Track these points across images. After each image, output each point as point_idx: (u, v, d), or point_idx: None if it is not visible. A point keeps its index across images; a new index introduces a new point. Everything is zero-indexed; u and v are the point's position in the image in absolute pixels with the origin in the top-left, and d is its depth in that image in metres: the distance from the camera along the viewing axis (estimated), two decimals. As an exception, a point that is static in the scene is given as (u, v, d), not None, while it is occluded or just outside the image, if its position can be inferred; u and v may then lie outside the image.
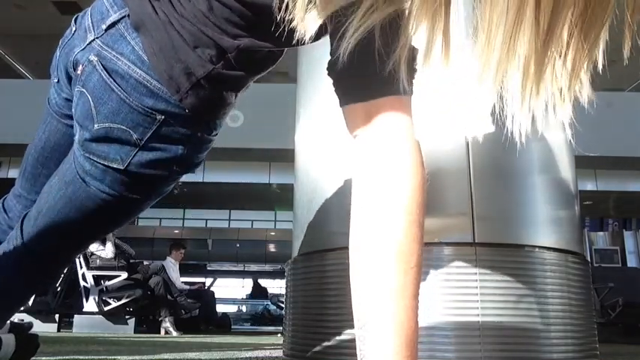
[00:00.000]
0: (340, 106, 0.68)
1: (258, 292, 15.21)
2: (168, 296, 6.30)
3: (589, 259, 2.44)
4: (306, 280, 1.66)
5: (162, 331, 5.97)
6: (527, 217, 1.53)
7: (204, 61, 0.80)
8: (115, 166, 0.84)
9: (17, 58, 12.17)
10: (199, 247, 13.02)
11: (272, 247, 13.29)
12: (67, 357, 2.05)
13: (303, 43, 0.68)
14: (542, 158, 1.57)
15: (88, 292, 5.77)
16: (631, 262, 11.34)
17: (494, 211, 1.51)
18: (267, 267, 15.18)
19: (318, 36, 0.67)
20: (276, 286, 17.55)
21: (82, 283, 5.80)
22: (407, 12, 0.60)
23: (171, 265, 6.89)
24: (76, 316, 5.86)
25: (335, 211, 1.57)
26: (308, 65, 1.86)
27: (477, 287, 1.38)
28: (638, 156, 8.84)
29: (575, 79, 0.62)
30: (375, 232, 0.61)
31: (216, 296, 8.62)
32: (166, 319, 6.00)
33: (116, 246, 5.97)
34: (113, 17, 0.83)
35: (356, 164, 0.65)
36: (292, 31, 0.64)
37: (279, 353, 2.52)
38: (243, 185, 11.12)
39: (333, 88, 0.68)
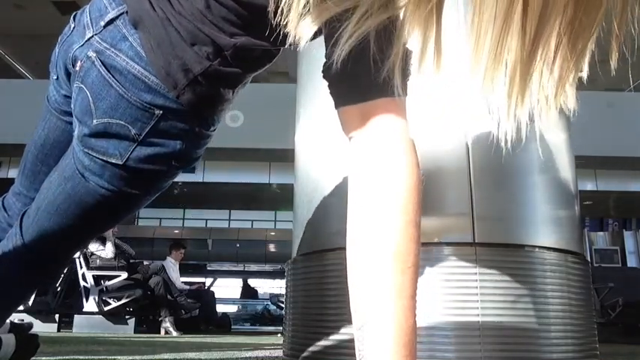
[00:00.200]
0: (335, 108, 0.68)
1: (248, 292, 15.22)
2: (168, 296, 6.30)
3: (589, 259, 2.44)
4: (306, 280, 1.66)
5: (162, 331, 5.97)
6: (527, 217, 1.53)
7: (201, 57, 0.81)
8: (113, 161, 0.84)
9: (17, 58, 12.17)
10: (199, 247, 13.02)
11: (272, 247, 13.29)
12: (67, 357, 2.05)
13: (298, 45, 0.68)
14: (542, 158, 1.57)
15: (88, 292, 5.77)
16: (631, 262, 11.34)
17: (494, 211, 1.51)
18: (267, 267, 15.19)
19: (314, 36, 0.67)
20: (276, 286, 17.56)
21: (82, 283, 5.80)
22: (400, 19, 0.60)
23: (171, 265, 6.89)
24: (76, 316, 5.86)
25: (335, 211, 1.57)
26: (308, 65, 1.86)
27: (476, 287, 1.38)
28: (638, 156, 8.85)
29: (561, 88, 0.63)
30: (371, 233, 0.61)
31: (216, 296, 8.62)
32: (166, 319, 6.00)
33: (116, 246, 5.97)
34: (111, 14, 0.83)
35: (351, 166, 0.66)
36: (287, 33, 0.64)
37: (279, 353, 2.52)
38: (243, 185, 11.12)
39: (329, 91, 0.69)
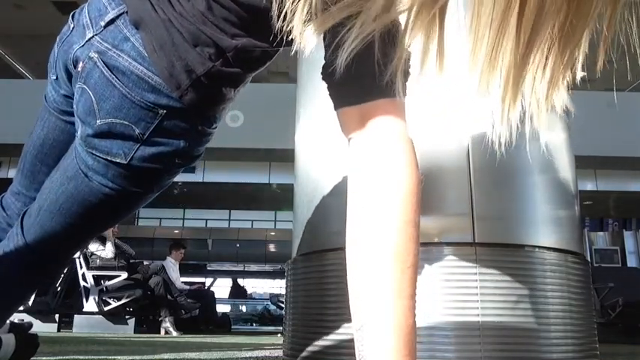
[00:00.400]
0: (335, 109, 0.69)
1: (237, 292, 15.22)
2: (168, 296, 6.30)
3: (589, 259, 2.44)
4: (306, 280, 1.66)
5: (162, 331, 5.97)
6: (527, 217, 1.53)
7: (204, 58, 0.81)
8: (117, 160, 0.85)
9: (17, 58, 12.17)
10: (199, 247, 13.03)
11: (272, 247, 13.29)
12: (67, 357, 2.05)
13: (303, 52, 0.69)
14: (542, 158, 1.57)
15: (88, 292, 5.77)
16: (631, 262, 11.34)
17: (494, 211, 1.51)
18: (267, 267, 15.19)
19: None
20: (276, 286, 17.57)
21: (82, 283, 5.80)
22: (403, 22, 0.60)
23: (172, 265, 6.89)
24: (76, 316, 5.86)
25: (335, 211, 1.57)
26: (308, 65, 1.86)
27: (477, 287, 1.38)
28: (638, 156, 8.85)
29: (552, 91, 0.64)
30: (371, 233, 0.61)
31: (216, 296, 8.62)
32: (166, 319, 6.01)
33: (116, 246, 5.97)
34: (111, 14, 0.83)
35: (351, 166, 0.66)
36: (289, 35, 0.64)
37: (279, 353, 2.52)
38: (243, 185, 11.12)
39: (328, 92, 0.69)
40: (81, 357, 2.07)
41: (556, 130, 1.66)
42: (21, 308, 5.30)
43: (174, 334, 5.88)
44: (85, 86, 0.84)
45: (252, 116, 8.69)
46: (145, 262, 7.00)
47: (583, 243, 1.74)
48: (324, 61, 0.68)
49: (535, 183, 1.57)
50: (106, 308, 5.77)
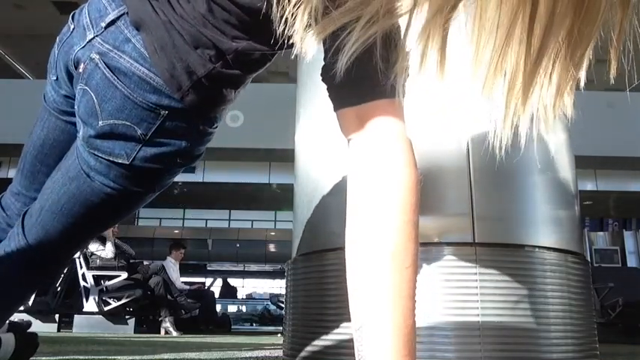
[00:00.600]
0: (334, 110, 0.69)
1: (227, 291, 15.22)
2: (168, 296, 6.30)
3: (589, 259, 2.44)
4: (306, 280, 1.66)
5: (162, 331, 5.97)
6: (527, 217, 1.53)
7: (204, 60, 0.81)
8: (120, 161, 0.85)
9: (17, 58, 12.18)
10: (199, 247, 13.02)
11: (272, 247, 13.29)
12: (67, 357, 2.05)
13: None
14: (542, 158, 1.57)
15: (88, 292, 5.77)
16: (631, 262, 11.34)
17: (494, 211, 1.51)
18: (267, 267, 15.19)
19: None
20: (276, 286, 17.56)
21: (82, 283, 5.80)
22: (403, 25, 0.60)
23: (172, 265, 6.89)
24: (76, 316, 5.86)
25: (335, 212, 1.57)
26: (308, 65, 1.86)
27: (477, 287, 1.38)
28: (638, 156, 8.85)
29: (559, 97, 0.64)
30: (370, 233, 0.62)
31: (216, 296, 8.62)
32: (166, 319, 6.01)
33: (116, 246, 5.97)
34: (112, 15, 0.83)
35: (350, 167, 0.66)
36: (290, 39, 0.64)
37: (279, 353, 2.52)
38: (243, 185, 11.12)
39: (327, 94, 0.70)
40: (81, 357, 2.07)
41: (556, 131, 1.66)
42: (21, 308, 5.30)
43: (174, 334, 5.88)
44: (86, 87, 0.84)
45: (252, 116, 8.69)
46: (145, 262, 7.00)
47: (583, 243, 1.74)
48: (323, 63, 0.69)
49: (535, 183, 1.57)
50: (106, 308, 5.77)
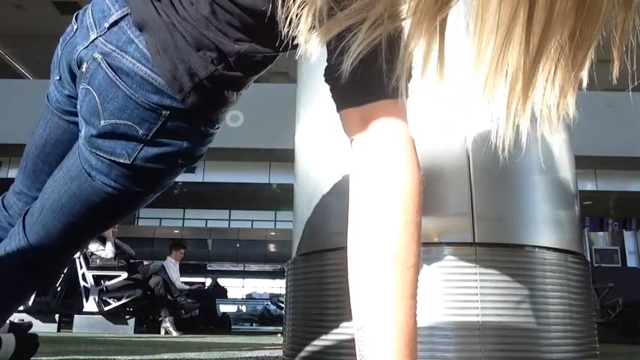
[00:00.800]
0: (337, 111, 0.69)
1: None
2: (168, 296, 6.30)
3: (589, 259, 2.44)
4: (306, 280, 1.66)
5: (162, 331, 5.97)
6: (527, 217, 1.53)
7: (206, 62, 0.81)
8: (121, 161, 0.85)
9: (17, 58, 12.18)
10: (199, 247, 13.03)
11: (272, 247, 13.29)
12: (67, 357, 2.05)
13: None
14: (542, 158, 1.57)
15: (88, 292, 5.77)
16: (631, 262, 11.34)
17: (494, 211, 1.51)
18: (267, 267, 15.19)
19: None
20: (276, 286, 17.57)
21: (82, 283, 5.80)
22: (405, 27, 0.61)
23: (172, 265, 6.89)
24: (76, 316, 5.86)
25: (335, 212, 1.57)
26: (308, 65, 1.86)
27: (477, 287, 1.38)
28: (638, 156, 8.85)
29: (563, 99, 0.64)
30: (372, 234, 0.62)
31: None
32: (166, 319, 6.01)
33: (116, 246, 5.97)
34: (115, 15, 0.84)
35: (353, 167, 0.66)
36: (294, 40, 0.64)
37: (279, 353, 2.52)
38: (243, 185, 11.12)
39: (331, 94, 0.70)
40: (81, 357, 2.07)
41: (556, 131, 1.66)
42: (21, 308, 5.30)
43: (174, 334, 5.88)
44: (89, 87, 0.84)
45: (252, 116, 8.69)
46: (145, 262, 7.00)
47: (583, 243, 1.74)
48: (326, 64, 0.69)
49: (535, 183, 1.57)
50: (106, 308, 5.77)
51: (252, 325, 15.50)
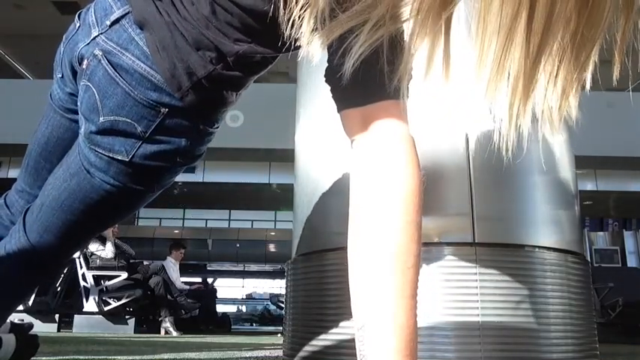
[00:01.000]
0: (338, 111, 0.70)
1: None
2: (168, 296, 6.30)
3: (589, 259, 2.44)
4: (306, 280, 1.66)
5: (162, 331, 5.97)
6: (527, 217, 1.53)
7: (205, 62, 0.82)
8: (119, 158, 0.85)
9: (17, 58, 12.18)
10: (199, 247, 13.02)
11: (272, 247, 13.28)
12: (67, 357, 2.05)
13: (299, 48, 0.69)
14: (542, 158, 1.57)
15: (88, 292, 5.78)
16: (631, 262, 11.34)
17: (494, 211, 1.51)
18: (267, 267, 15.18)
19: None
20: (276, 286, 17.56)
21: (82, 283, 5.81)
22: (409, 29, 0.61)
23: (172, 265, 6.89)
24: (76, 316, 5.86)
25: (335, 212, 1.57)
26: (308, 65, 1.86)
27: (477, 287, 1.38)
28: (638, 156, 8.85)
29: (565, 100, 0.64)
30: (372, 234, 0.62)
31: (216, 296, 8.62)
32: (166, 319, 6.01)
33: (116, 246, 5.97)
34: (117, 13, 0.84)
35: (353, 167, 0.66)
36: (296, 42, 0.65)
37: (279, 353, 2.52)
38: (243, 185, 11.12)
39: (331, 95, 0.70)
40: (81, 357, 2.07)
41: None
42: (21, 308, 5.30)
43: (174, 334, 5.88)
44: (89, 83, 0.85)
45: (252, 116, 8.69)
46: (145, 262, 7.00)
47: (583, 243, 1.74)
48: (327, 65, 0.69)
49: (535, 183, 1.57)
50: (106, 308, 5.77)
51: (252, 325, 15.50)
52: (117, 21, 0.84)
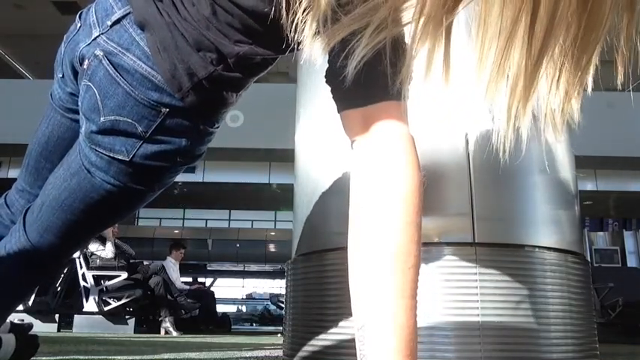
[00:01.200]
0: (338, 112, 0.70)
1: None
2: (168, 296, 6.30)
3: (589, 259, 2.44)
4: (306, 280, 1.66)
5: (162, 331, 5.97)
6: (527, 217, 1.53)
7: (206, 63, 0.82)
8: (120, 157, 0.86)
9: (17, 58, 12.18)
10: (199, 247, 13.02)
11: (272, 247, 13.28)
12: (67, 357, 2.05)
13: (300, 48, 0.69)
14: (542, 158, 1.57)
15: (88, 292, 5.78)
16: (631, 262, 11.34)
17: (494, 211, 1.51)
18: (267, 267, 15.18)
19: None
20: (276, 286, 17.57)
21: (82, 283, 5.81)
22: (411, 32, 0.61)
23: (172, 265, 6.89)
24: (76, 316, 5.86)
25: (335, 212, 1.57)
26: (308, 65, 1.86)
27: (477, 287, 1.38)
28: (638, 156, 8.85)
29: (567, 103, 0.64)
30: (372, 234, 0.62)
31: (216, 296, 8.62)
32: (166, 319, 6.00)
33: (116, 246, 5.97)
34: (118, 14, 0.85)
35: (353, 167, 0.67)
36: (299, 45, 0.65)
37: (279, 353, 2.52)
38: (243, 185, 11.12)
39: (331, 95, 0.70)
40: (81, 357, 2.07)
41: (556, 130, 1.66)
42: (21, 308, 5.30)
43: (174, 334, 5.88)
44: (90, 83, 0.85)
45: (252, 116, 8.69)
46: (145, 262, 7.00)
47: (583, 243, 1.74)
48: (328, 65, 0.69)
49: (535, 183, 1.57)
50: (106, 308, 5.77)
51: (252, 325, 15.50)
52: (118, 21, 0.84)
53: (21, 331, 1.50)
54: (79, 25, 0.92)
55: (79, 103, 0.89)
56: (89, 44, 0.86)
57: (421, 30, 0.59)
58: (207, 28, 0.80)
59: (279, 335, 5.52)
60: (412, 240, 0.61)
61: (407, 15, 0.60)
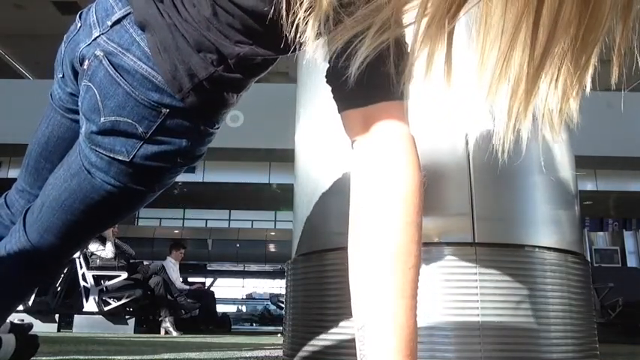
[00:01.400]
0: (339, 112, 0.70)
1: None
2: (168, 296, 6.30)
3: (589, 259, 2.44)
4: (306, 280, 1.66)
5: (162, 331, 5.97)
6: (527, 217, 1.53)
7: (206, 63, 0.82)
8: (120, 158, 0.86)
9: (17, 58, 12.18)
10: (199, 247, 13.02)
11: (272, 247, 13.28)
12: (67, 357, 2.05)
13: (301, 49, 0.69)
14: (542, 158, 1.57)
15: (88, 292, 5.77)
16: (631, 262, 11.33)
17: (494, 211, 1.51)
18: (267, 267, 15.18)
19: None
20: (276, 286, 17.57)
21: (82, 283, 5.80)
22: (413, 33, 0.61)
23: (172, 265, 6.89)
24: (76, 316, 5.86)
25: (335, 212, 1.57)
26: (308, 65, 1.86)
27: (477, 287, 1.38)
28: (638, 156, 8.85)
29: (565, 103, 0.64)
30: (373, 234, 0.62)
31: (216, 296, 8.62)
32: (166, 319, 6.00)
33: (116, 246, 5.97)
34: (118, 14, 0.85)
35: (354, 167, 0.67)
36: (301, 46, 0.65)
37: (279, 353, 2.52)
38: (243, 185, 11.12)
39: (332, 95, 0.70)
40: (81, 357, 2.07)
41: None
42: (21, 308, 5.30)
43: (174, 334, 5.88)
44: (90, 84, 0.85)
45: (252, 116, 8.68)
46: (145, 262, 6.99)
47: (583, 243, 1.74)
48: (329, 66, 0.69)
49: (535, 183, 1.57)
50: (106, 308, 5.77)
51: (252, 325, 15.50)
52: (118, 21, 0.84)
53: (21, 331, 1.50)
54: (79, 25, 0.92)
55: (79, 104, 0.89)
56: (89, 44, 0.86)
57: (424, 31, 0.59)
58: (208, 29, 0.80)
59: (279, 335, 5.52)
60: (412, 240, 0.61)
61: (409, 16, 0.60)
